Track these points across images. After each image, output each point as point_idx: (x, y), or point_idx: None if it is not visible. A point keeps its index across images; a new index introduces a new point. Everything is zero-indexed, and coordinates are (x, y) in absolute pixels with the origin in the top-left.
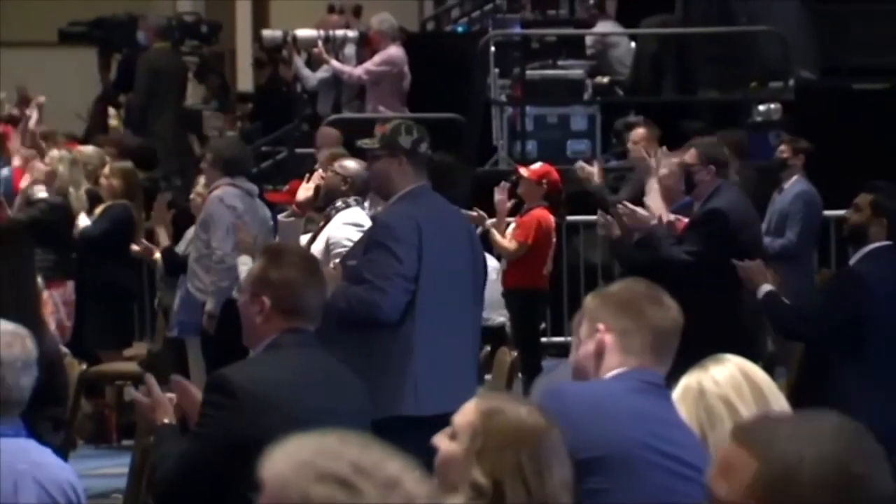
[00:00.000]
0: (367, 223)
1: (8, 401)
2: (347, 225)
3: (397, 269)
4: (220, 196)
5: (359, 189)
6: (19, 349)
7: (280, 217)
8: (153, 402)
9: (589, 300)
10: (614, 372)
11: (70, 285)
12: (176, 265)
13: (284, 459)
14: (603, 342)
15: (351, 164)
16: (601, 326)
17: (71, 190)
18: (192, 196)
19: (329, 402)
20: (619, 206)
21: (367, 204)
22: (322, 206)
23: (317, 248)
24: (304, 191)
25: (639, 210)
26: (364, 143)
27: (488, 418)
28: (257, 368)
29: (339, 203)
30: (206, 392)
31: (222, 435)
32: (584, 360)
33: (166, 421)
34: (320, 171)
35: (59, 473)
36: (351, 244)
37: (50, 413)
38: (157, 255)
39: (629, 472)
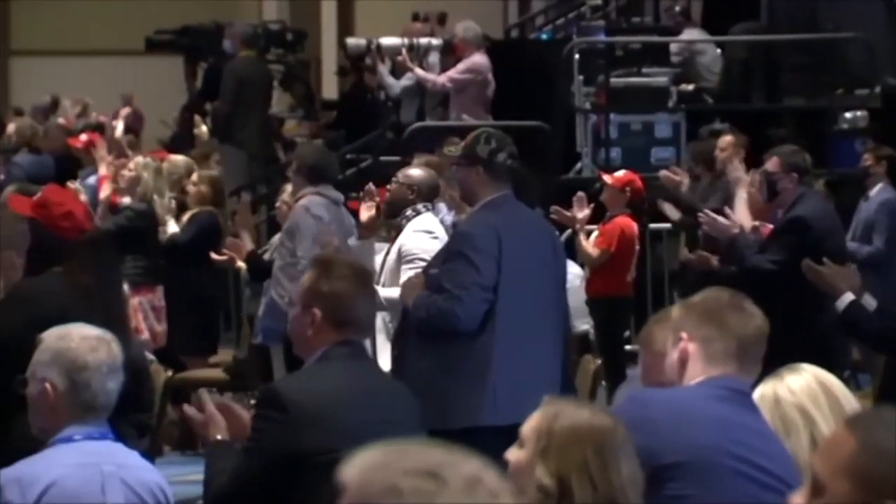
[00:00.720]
0: (439, 229)
1: (93, 405)
2: (419, 232)
3: (475, 278)
4: (307, 205)
5: (426, 196)
6: (105, 354)
7: (351, 242)
8: (206, 418)
9: (674, 311)
10: (698, 380)
11: (159, 290)
12: (260, 271)
13: (366, 461)
14: (686, 350)
15: (415, 172)
16: (684, 335)
17: (155, 197)
18: (277, 204)
19: (380, 414)
20: (701, 214)
21: (442, 207)
22: (392, 217)
23: (390, 259)
24: (366, 210)
25: (720, 219)
26: (448, 150)
27: (551, 420)
28: (308, 382)
29: (408, 212)
30: (258, 406)
31: (274, 449)
32: (669, 368)
33: (219, 437)
34: (372, 190)
35: (147, 475)
36: (423, 251)
37: (136, 419)
38: (240, 262)
39: (710, 478)
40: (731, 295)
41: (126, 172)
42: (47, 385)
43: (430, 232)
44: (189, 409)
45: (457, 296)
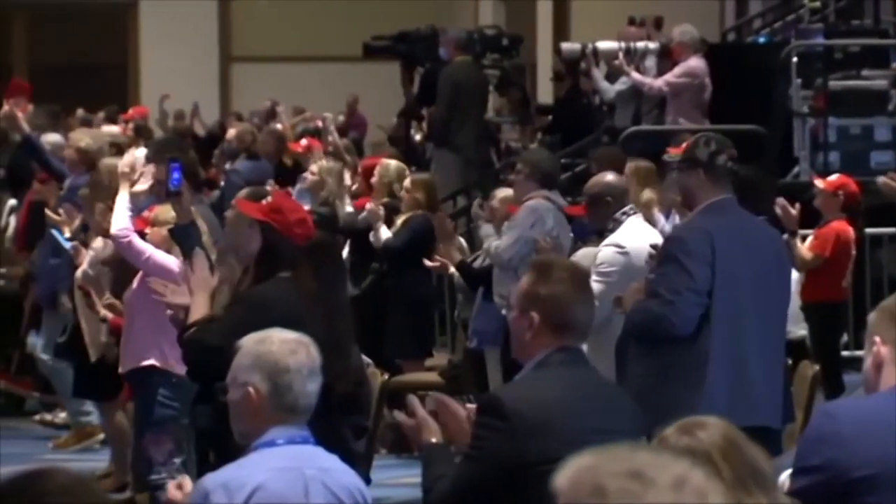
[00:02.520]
0: (630, 243)
1: (295, 407)
2: (608, 246)
3: (688, 283)
4: (534, 207)
5: (623, 200)
6: (304, 356)
7: (582, 251)
8: (418, 423)
9: (871, 315)
10: (891, 384)
11: None
12: (474, 277)
13: (575, 465)
14: (879, 355)
15: (606, 178)
16: (877, 339)
17: (337, 202)
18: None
19: (600, 422)
20: None
21: (660, 217)
22: (600, 230)
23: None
24: None
25: None
26: (667, 155)
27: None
28: (529, 389)
29: (609, 225)
30: (479, 414)
31: (495, 458)
32: (867, 374)
33: (433, 440)
34: None
35: (347, 478)
36: (608, 264)
37: (353, 422)
38: (452, 269)
39: None
40: None
41: (309, 176)
42: (250, 389)
43: (619, 247)
44: (400, 416)
45: (669, 300)
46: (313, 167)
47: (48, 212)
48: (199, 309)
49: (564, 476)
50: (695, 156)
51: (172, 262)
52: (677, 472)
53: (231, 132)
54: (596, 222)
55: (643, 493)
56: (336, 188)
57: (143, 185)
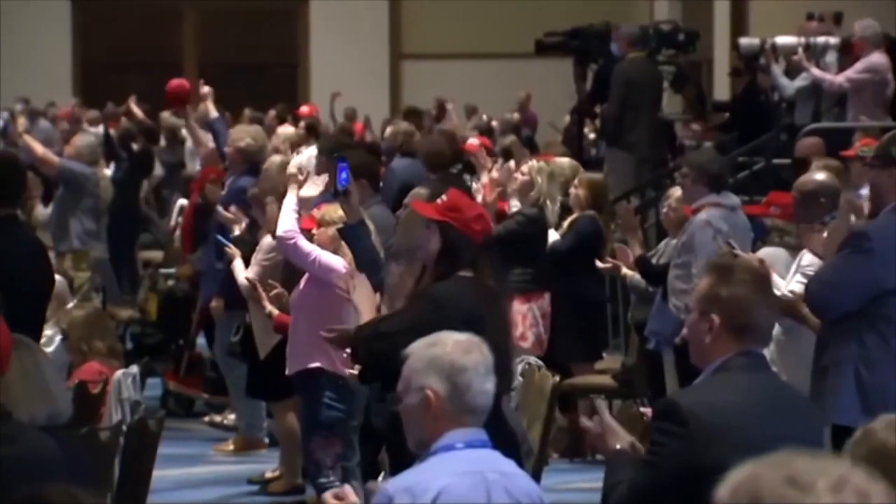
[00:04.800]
0: None
1: (475, 407)
2: None
3: (851, 276)
4: (707, 220)
5: (835, 201)
6: (478, 355)
7: (765, 251)
8: (603, 429)
9: None
10: None
11: (546, 297)
12: (651, 274)
13: (735, 475)
14: None
15: (818, 177)
16: None
17: (547, 202)
18: (664, 210)
19: (781, 429)
20: None
21: None
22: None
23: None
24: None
25: None
26: (863, 150)
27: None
28: (709, 394)
29: (826, 219)
30: (656, 419)
31: (674, 463)
32: None
33: (618, 447)
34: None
35: (527, 483)
36: (813, 266)
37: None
38: (625, 270)
39: None
40: None
41: (519, 176)
42: (428, 392)
43: None
44: (586, 422)
45: (829, 283)
46: (524, 167)
47: (219, 208)
48: (367, 316)
49: (726, 485)
50: (888, 153)
51: (339, 262)
52: (836, 474)
53: (387, 131)
54: (803, 221)
55: (801, 498)
56: (547, 188)
57: (311, 191)
